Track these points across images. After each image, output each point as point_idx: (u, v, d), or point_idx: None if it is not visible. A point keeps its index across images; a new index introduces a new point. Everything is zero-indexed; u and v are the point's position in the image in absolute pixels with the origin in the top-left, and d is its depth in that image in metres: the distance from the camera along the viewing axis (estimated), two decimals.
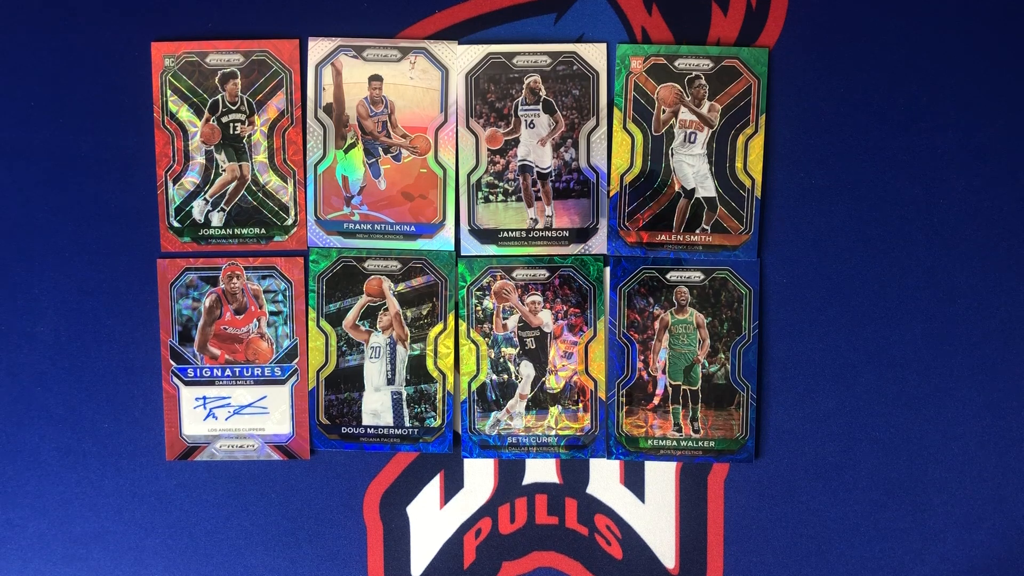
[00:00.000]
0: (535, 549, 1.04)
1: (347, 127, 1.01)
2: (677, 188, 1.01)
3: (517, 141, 1.01)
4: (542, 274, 1.01)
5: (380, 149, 1.02)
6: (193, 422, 1.02)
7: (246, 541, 1.03)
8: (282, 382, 1.02)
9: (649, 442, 1.02)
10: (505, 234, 1.01)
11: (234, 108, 1.01)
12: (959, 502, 1.01)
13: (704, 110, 1.00)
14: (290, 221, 1.01)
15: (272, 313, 1.02)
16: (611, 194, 1.01)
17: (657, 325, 1.01)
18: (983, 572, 1.02)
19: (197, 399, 1.02)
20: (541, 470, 1.04)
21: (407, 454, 1.03)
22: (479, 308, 1.02)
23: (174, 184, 1.01)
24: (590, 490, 1.04)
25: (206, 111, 1.00)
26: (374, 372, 1.02)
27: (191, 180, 1.01)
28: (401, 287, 1.01)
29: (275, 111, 1.01)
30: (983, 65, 1.00)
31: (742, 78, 0.99)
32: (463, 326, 1.02)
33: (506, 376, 1.02)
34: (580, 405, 1.02)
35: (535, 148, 1.01)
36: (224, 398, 1.03)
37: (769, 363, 1.02)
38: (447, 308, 1.01)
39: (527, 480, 1.04)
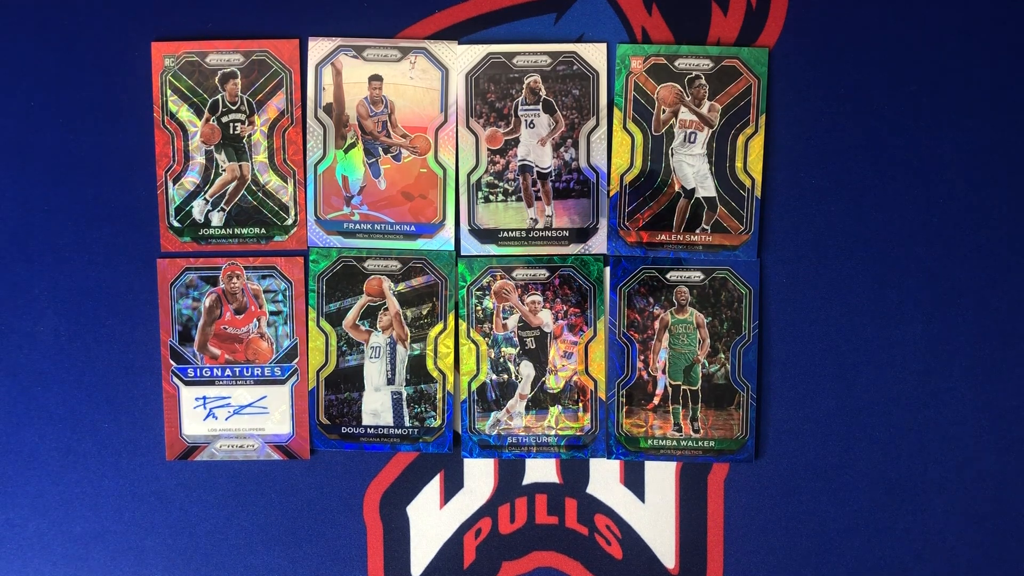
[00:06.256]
0: (535, 549, 1.04)
1: (347, 127, 1.01)
2: (677, 188, 1.01)
3: (517, 141, 1.01)
4: (542, 274, 1.01)
5: (380, 149, 1.02)
6: (193, 422, 1.02)
7: (246, 541, 1.03)
8: (282, 382, 1.02)
9: (649, 442, 1.02)
10: (505, 234, 1.01)
11: (234, 108, 1.01)
12: (959, 502, 1.01)
13: (704, 110, 1.00)
14: (290, 221, 1.01)
15: (272, 313, 1.02)
16: (611, 194, 1.01)
17: (657, 325, 1.01)
18: (983, 572, 1.02)
19: (197, 399, 1.02)
20: (541, 470, 1.04)
21: (407, 454, 1.03)
22: (479, 308, 1.02)
23: (174, 184, 1.01)
24: (590, 490, 1.04)
25: (206, 111, 1.00)
26: (374, 372, 1.02)
27: (191, 180, 1.01)
28: (401, 287, 1.01)
29: (275, 111, 1.01)
30: (983, 65, 1.00)
31: (742, 78, 0.99)
32: (463, 326, 1.02)
33: (506, 376, 1.02)
34: (580, 405, 1.02)
35: (535, 148, 1.01)
36: (224, 398, 1.03)
37: (769, 363, 1.02)
38: (447, 308, 1.01)
39: (527, 480, 1.04)
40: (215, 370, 1.02)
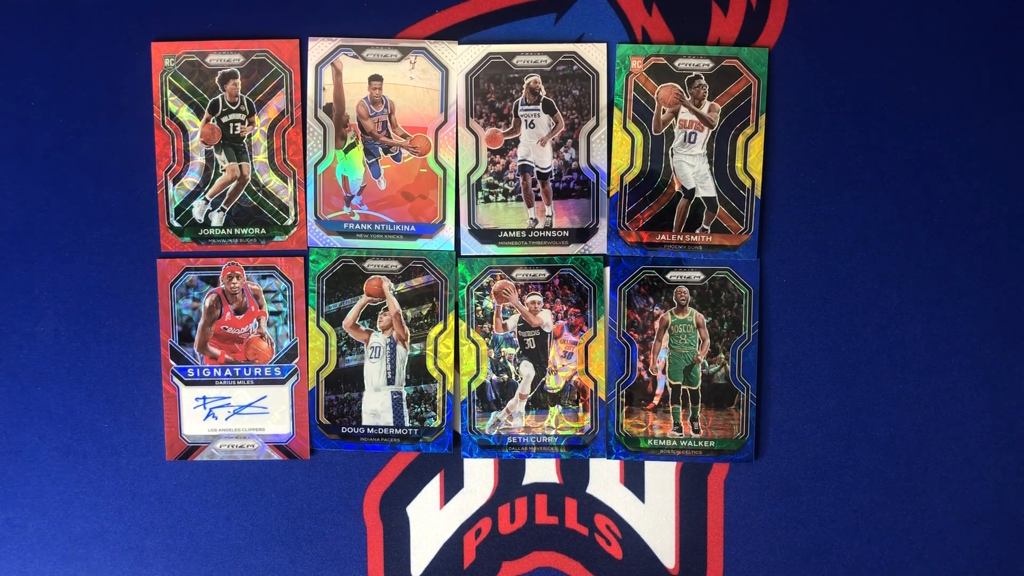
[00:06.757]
0: (535, 549, 1.04)
1: (347, 127, 1.01)
2: (677, 188, 1.01)
3: (517, 141, 1.01)
4: (542, 274, 1.01)
5: (380, 149, 1.02)
6: (193, 422, 1.02)
7: (246, 541, 1.03)
8: (282, 382, 1.02)
9: (649, 442, 1.02)
10: (505, 234, 1.01)
11: (234, 108, 1.01)
12: (959, 502, 1.01)
13: (704, 110, 1.00)
14: (290, 221, 1.01)
15: (272, 313, 1.02)
16: (611, 194, 1.01)
17: (657, 325, 1.01)
18: (983, 572, 1.02)
19: (197, 399, 1.02)
20: (541, 470, 1.04)
21: (407, 454, 1.03)
22: (479, 308, 1.02)
23: (174, 184, 1.01)
24: (590, 490, 1.04)
25: (206, 111, 1.00)
26: (374, 372, 1.02)
27: (191, 180, 1.01)
28: (401, 287, 1.01)
29: (275, 111, 1.01)
30: (983, 65, 1.00)
31: (742, 78, 0.99)
32: (463, 326, 1.02)
33: (506, 376, 1.02)
34: (580, 405, 1.02)
35: (535, 148, 1.01)
36: (224, 398, 1.03)
37: (769, 363, 1.02)
38: (447, 308, 1.01)
39: (527, 480, 1.04)
40: (215, 370, 1.02)
